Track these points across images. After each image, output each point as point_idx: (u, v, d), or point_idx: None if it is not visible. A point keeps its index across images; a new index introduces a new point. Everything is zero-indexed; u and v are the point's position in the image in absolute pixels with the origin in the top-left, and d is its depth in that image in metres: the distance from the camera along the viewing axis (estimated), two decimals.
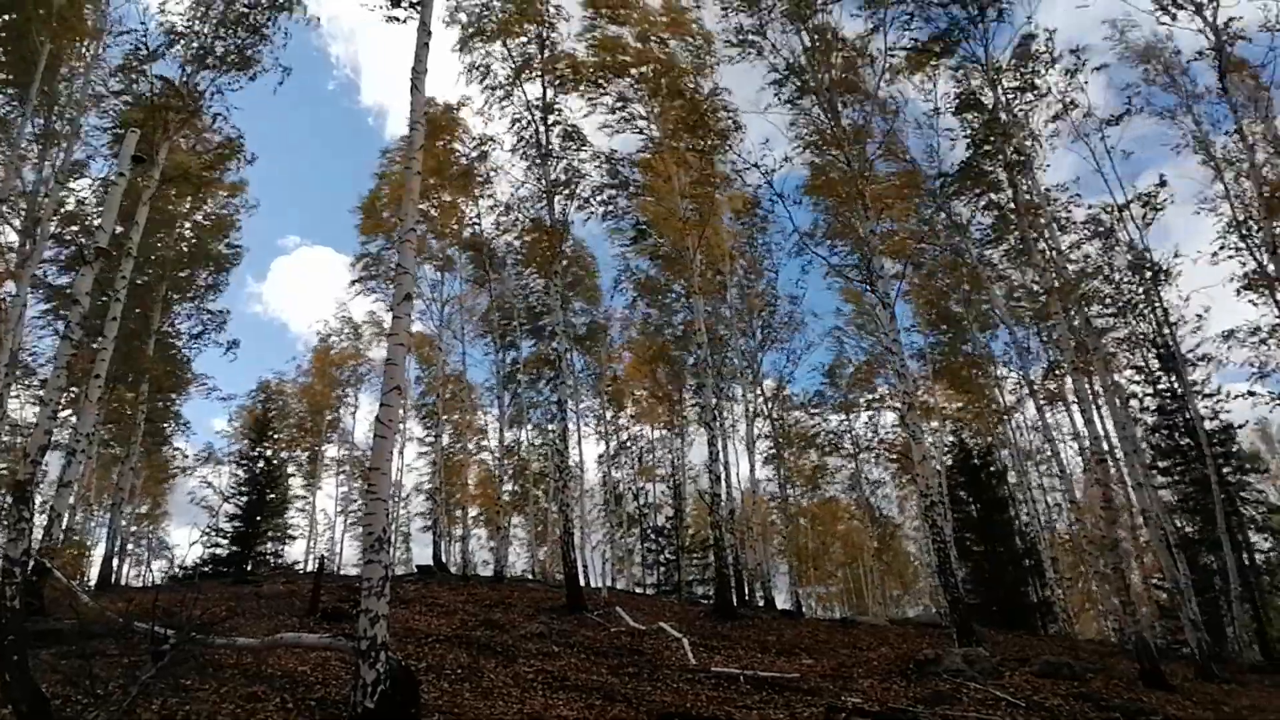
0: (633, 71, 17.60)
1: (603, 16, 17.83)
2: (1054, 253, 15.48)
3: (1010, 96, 14.87)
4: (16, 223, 15.34)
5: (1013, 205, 15.53)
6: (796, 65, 13.95)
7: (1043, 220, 15.42)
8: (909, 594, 41.44)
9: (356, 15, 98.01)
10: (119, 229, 13.23)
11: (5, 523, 7.14)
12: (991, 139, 14.37)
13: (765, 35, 14.34)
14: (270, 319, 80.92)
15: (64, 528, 13.05)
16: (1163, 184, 17.31)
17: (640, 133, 18.35)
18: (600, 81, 17.50)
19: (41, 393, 12.79)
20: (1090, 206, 18.02)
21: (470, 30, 17.16)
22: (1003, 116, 14.53)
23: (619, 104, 17.80)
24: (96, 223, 15.91)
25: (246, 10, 13.49)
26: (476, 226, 23.50)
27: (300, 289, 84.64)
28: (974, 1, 14.24)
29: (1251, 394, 17.69)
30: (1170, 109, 17.41)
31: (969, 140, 15.21)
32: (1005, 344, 23.15)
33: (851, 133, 13.72)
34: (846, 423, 28.05)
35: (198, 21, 13.28)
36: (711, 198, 18.54)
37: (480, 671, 8.30)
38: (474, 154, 21.33)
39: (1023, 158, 15.08)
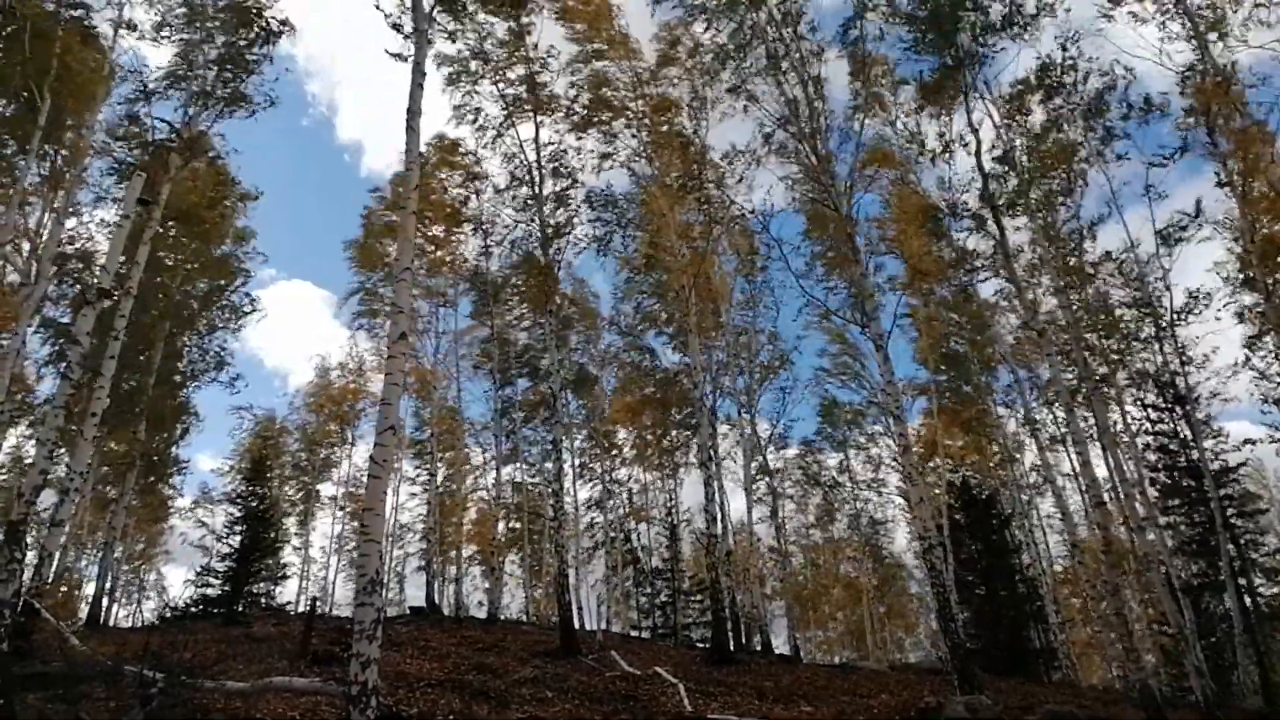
0: (626, 113, 17.98)
1: (591, 53, 18.32)
2: (1056, 291, 15.66)
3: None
4: (19, 262, 15.53)
5: (999, 245, 15.78)
6: (783, 117, 14.29)
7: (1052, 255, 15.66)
8: (912, 637, 40.76)
9: (334, 54, 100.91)
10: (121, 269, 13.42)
11: None
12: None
13: (749, 89, 14.74)
14: (248, 355, 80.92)
15: (55, 568, 12.92)
16: (1198, 213, 16.24)
17: (633, 173, 18.69)
18: (594, 121, 17.89)
19: (38, 432, 12.79)
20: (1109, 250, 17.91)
21: (458, 69, 17.46)
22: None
23: (609, 139, 18.16)
24: (101, 263, 16.19)
25: (238, 46, 13.92)
26: (477, 262, 23.71)
27: (277, 323, 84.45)
28: (954, 49, 14.76)
29: (1250, 442, 17.72)
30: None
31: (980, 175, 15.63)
32: (1008, 385, 23.34)
33: (842, 180, 13.98)
34: (845, 462, 28.03)
35: (192, 60, 13.70)
36: (708, 233, 18.80)
37: (472, 717, 8.16)
38: (468, 192, 21.68)
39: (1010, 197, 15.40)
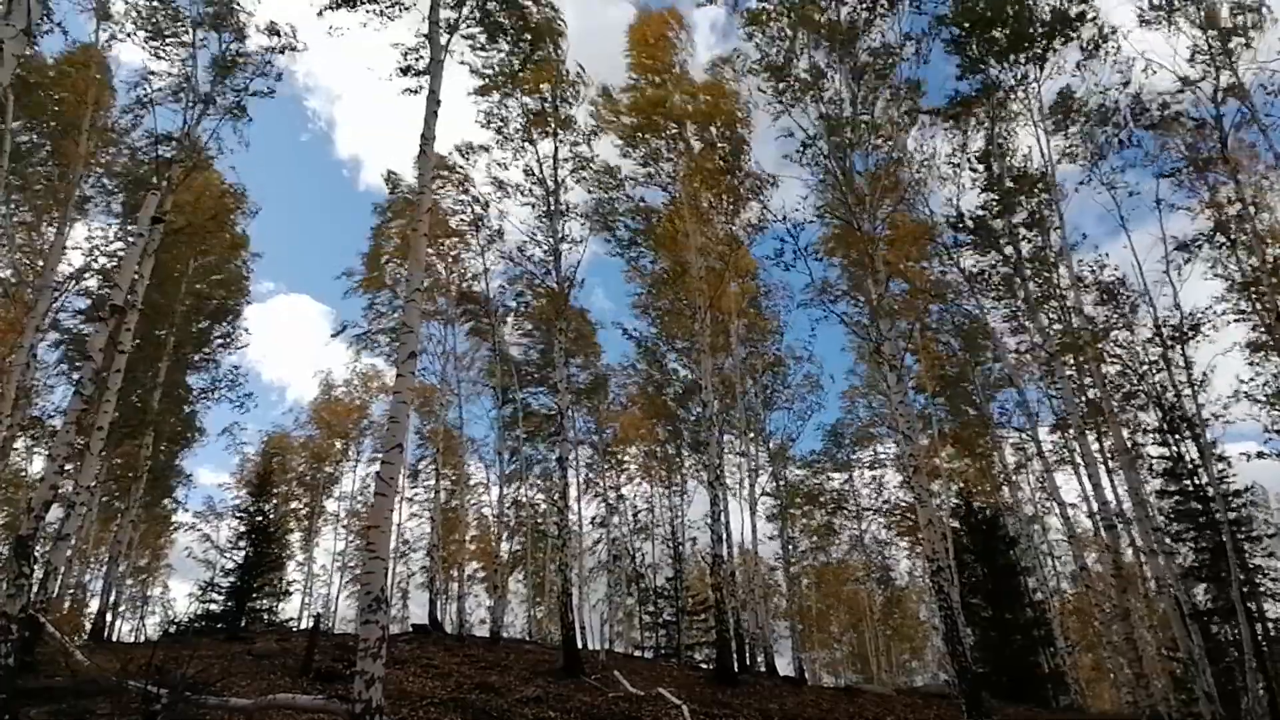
0: (667, 132, 18.31)
1: (646, 79, 18.73)
2: (1070, 310, 15.71)
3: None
4: (31, 277, 15.70)
5: (1016, 262, 15.98)
6: (815, 134, 14.47)
7: (1063, 279, 15.75)
8: (918, 660, 40.31)
9: (335, 71, 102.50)
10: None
11: (4, 578, 7.12)
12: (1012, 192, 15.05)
13: (784, 104, 14.94)
14: (246, 367, 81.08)
15: (60, 582, 12.89)
16: (1212, 237, 16.21)
17: (664, 189, 18.97)
18: (635, 138, 18.26)
19: (50, 447, 12.75)
20: (1112, 266, 17.99)
21: (487, 82, 17.66)
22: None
23: (648, 158, 18.50)
24: (109, 278, 16.28)
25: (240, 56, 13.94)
26: (479, 281, 23.81)
27: (276, 336, 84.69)
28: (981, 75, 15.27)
29: (1262, 455, 17.59)
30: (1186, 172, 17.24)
31: (989, 194, 15.99)
32: (1006, 406, 23.25)
33: (865, 197, 14.09)
34: (850, 483, 27.90)
35: (189, 67, 13.70)
36: (733, 253, 19.00)
37: None
38: (481, 206, 21.75)
39: (1036, 215, 15.63)
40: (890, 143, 14.62)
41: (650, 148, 18.57)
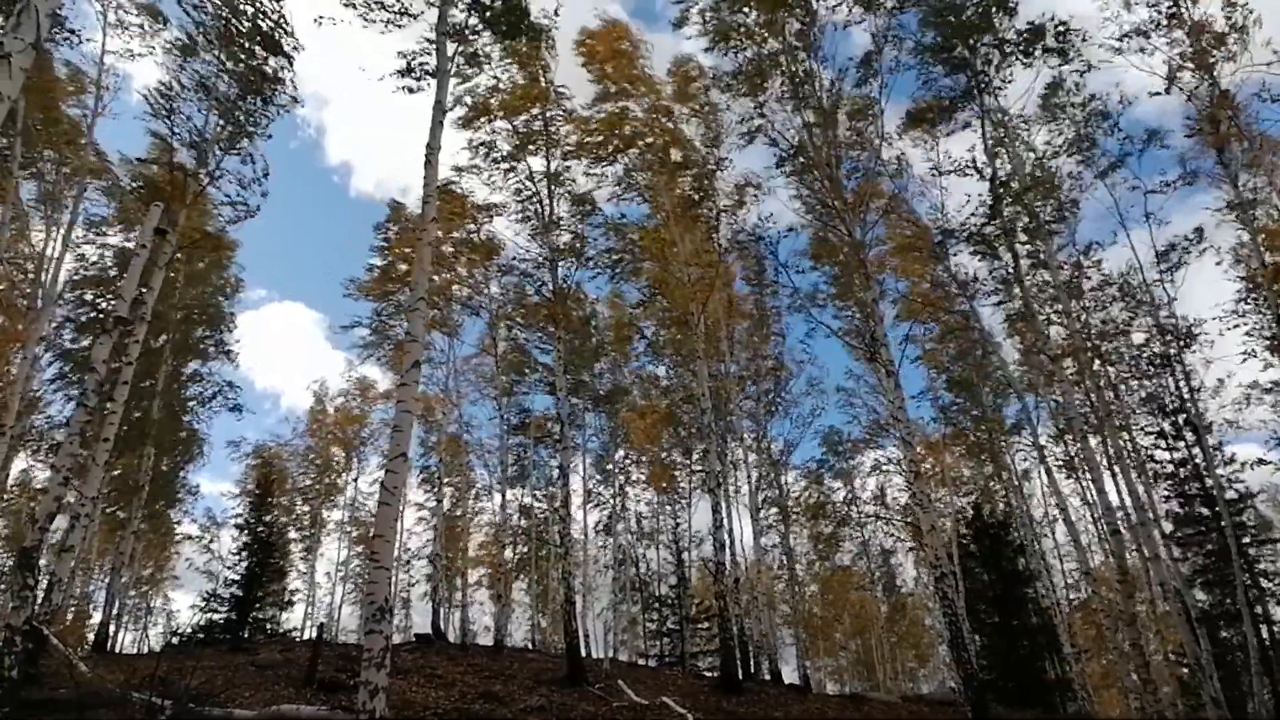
0: (639, 144, 18.27)
1: (610, 93, 18.65)
2: (1068, 316, 15.73)
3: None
4: (27, 287, 15.77)
5: (1013, 269, 16.01)
6: (800, 143, 14.50)
7: (1054, 281, 15.77)
8: (925, 668, 40.07)
9: (323, 77, 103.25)
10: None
11: (9, 589, 7.12)
12: (1004, 199, 15.11)
13: (765, 116, 14.93)
14: (239, 376, 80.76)
15: (64, 593, 12.89)
16: (1199, 236, 16.63)
17: (646, 202, 18.93)
18: (605, 156, 18.18)
19: (54, 459, 12.72)
20: (1110, 273, 17.96)
21: (476, 110, 17.71)
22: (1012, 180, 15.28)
23: (625, 177, 18.45)
24: (106, 288, 16.16)
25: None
26: (482, 293, 23.84)
27: (269, 345, 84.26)
28: (971, 71, 15.32)
29: (1262, 462, 17.57)
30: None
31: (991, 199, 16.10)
32: (1016, 411, 23.20)
33: (853, 202, 14.12)
34: (851, 490, 27.83)
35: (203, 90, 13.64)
36: (715, 264, 18.97)
37: None
38: (478, 222, 21.79)
39: (1035, 223, 15.66)
40: (874, 149, 14.67)
41: (625, 163, 18.54)
